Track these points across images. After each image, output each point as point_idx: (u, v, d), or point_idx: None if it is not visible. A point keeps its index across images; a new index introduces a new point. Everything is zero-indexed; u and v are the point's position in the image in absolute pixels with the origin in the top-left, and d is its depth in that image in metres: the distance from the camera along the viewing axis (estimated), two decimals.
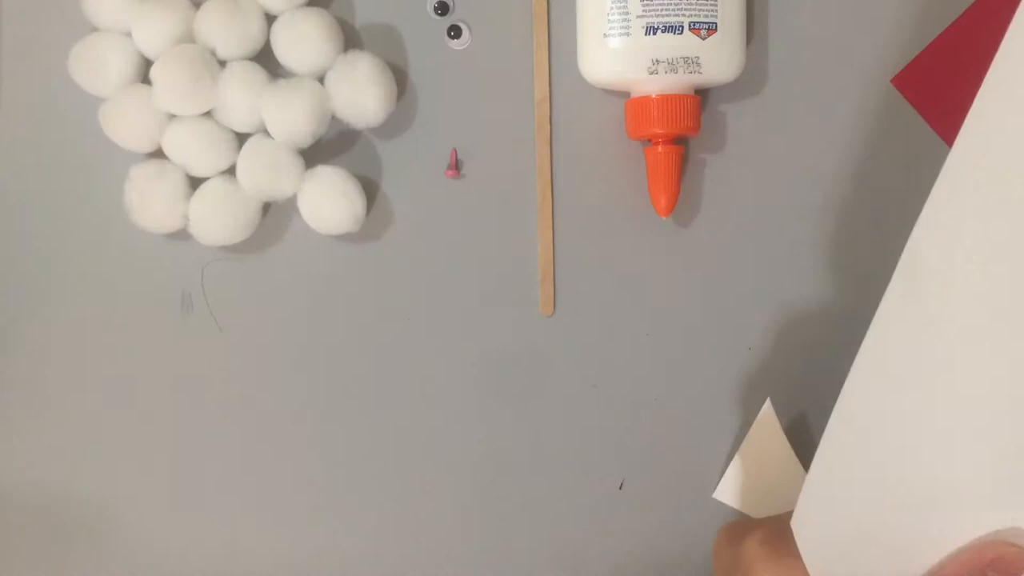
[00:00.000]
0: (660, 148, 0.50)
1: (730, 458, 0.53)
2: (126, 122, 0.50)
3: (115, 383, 0.54)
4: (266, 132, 0.50)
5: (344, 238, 0.52)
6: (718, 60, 0.50)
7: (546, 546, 0.54)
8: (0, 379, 0.54)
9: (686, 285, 0.53)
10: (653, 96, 0.50)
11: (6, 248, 0.53)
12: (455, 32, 0.52)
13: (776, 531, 0.44)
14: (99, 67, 0.50)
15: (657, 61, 0.49)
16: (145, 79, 0.50)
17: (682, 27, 0.49)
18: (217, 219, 0.50)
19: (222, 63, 0.50)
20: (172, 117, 0.50)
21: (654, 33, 0.49)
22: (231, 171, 0.51)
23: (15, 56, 0.53)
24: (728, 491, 0.53)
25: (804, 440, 0.53)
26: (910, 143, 0.53)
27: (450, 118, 0.53)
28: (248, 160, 0.50)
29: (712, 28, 0.49)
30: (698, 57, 0.49)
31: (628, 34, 0.49)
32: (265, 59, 0.50)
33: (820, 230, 0.53)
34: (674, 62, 0.49)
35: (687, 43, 0.49)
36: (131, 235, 0.52)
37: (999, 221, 0.35)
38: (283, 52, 0.50)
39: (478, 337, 0.53)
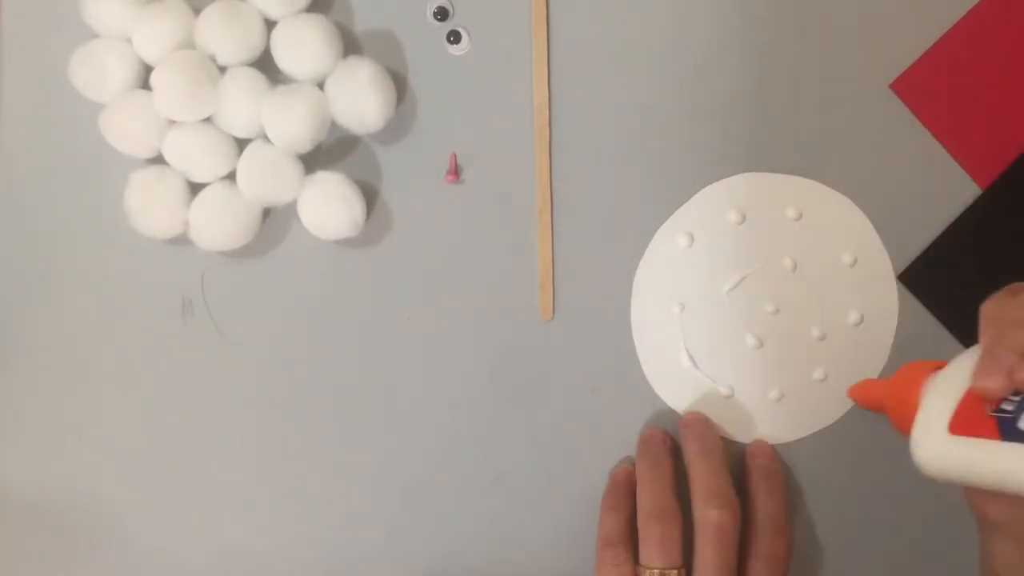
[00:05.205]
0: None
1: (731, 458, 0.53)
2: (126, 128, 0.50)
3: (116, 387, 0.54)
4: (266, 138, 0.50)
5: (344, 243, 0.52)
6: None
7: (546, 546, 0.54)
8: (2, 383, 0.54)
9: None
10: None
11: (7, 253, 0.53)
12: (454, 37, 0.52)
13: None
14: (99, 73, 0.50)
15: None
16: (145, 85, 0.50)
17: None
18: (217, 224, 0.50)
19: (222, 69, 0.50)
20: (172, 123, 0.50)
21: None
22: (231, 177, 0.51)
23: (16, 62, 0.53)
24: None
25: (805, 445, 0.53)
26: (909, 148, 0.52)
27: (449, 123, 0.53)
28: (248, 166, 0.50)
29: None
30: None
31: None
32: (265, 65, 0.50)
33: None
34: None
35: None
36: (132, 240, 0.52)
37: None
38: (283, 58, 0.50)
39: (478, 342, 0.53)
